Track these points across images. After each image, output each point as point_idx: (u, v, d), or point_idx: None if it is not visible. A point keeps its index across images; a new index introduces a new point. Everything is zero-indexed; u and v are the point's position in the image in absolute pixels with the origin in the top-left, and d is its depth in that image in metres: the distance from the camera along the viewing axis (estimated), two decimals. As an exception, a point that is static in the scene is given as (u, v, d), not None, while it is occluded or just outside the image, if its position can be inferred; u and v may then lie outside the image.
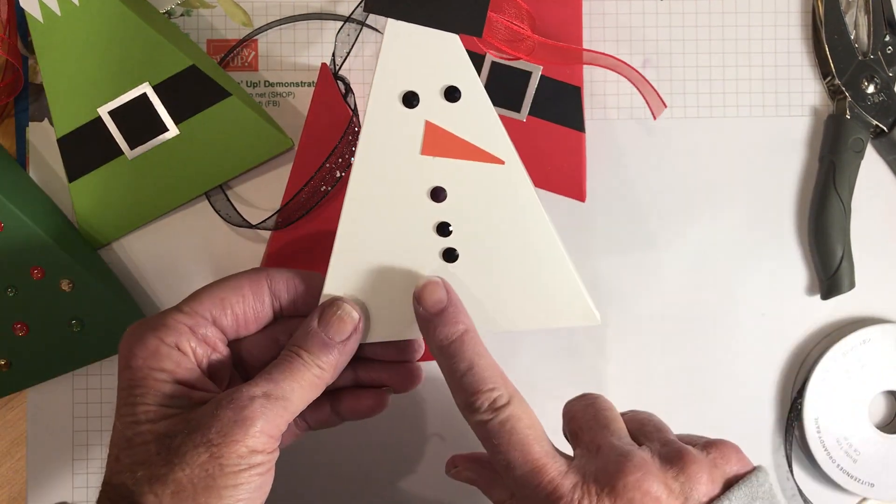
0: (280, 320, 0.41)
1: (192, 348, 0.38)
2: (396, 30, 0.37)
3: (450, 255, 0.40)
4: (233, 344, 0.41)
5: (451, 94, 0.38)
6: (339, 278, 0.40)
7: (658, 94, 0.51)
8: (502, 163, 0.39)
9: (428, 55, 0.38)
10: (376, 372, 0.43)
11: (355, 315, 0.39)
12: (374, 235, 0.39)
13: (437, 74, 0.38)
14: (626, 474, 0.35)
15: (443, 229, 0.39)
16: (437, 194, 0.39)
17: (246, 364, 0.41)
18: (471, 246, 0.40)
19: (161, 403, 0.36)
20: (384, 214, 0.39)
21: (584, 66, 0.52)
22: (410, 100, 0.38)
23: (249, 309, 0.40)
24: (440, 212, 0.39)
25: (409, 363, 0.43)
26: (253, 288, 0.40)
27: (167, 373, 0.37)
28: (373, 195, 0.39)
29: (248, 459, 0.35)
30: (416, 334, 0.41)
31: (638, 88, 0.52)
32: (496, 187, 0.39)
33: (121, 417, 0.37)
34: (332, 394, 0.42)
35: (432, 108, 0.38)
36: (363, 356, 0.43)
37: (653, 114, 0.52)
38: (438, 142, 0.38)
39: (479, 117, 0.38)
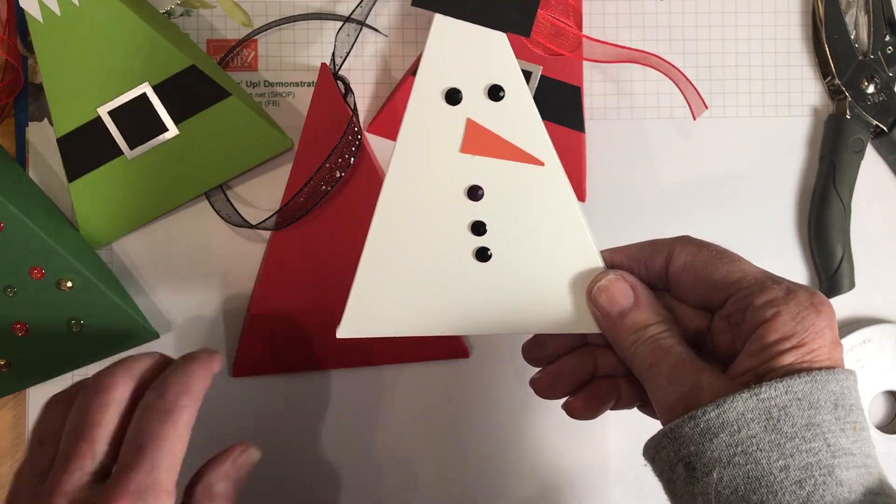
0: None
1: None
2: (443, 25, 0.37)
3: (482, 255, 0.39)
4: None
5: (495, 93, 0.38)
6: (372, 270, 0.39)
7: (699, 94, 0.51)
8: (542, 164, 0.39)
9: (473, 52, 0.37)
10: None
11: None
12: (409, 230, 0.39)
13: (481, 72, 0.37)
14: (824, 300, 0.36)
15: (478, 228, 0.39)
16: (474, 193, 0.39)
17: None
18: (504, 246, 0.39)
19: None
20: (419, 210, 0.39)
21: (625, 63, 0.52)
22: (453, 96, 0.38)
23: None
24: (476, 210, 0.39)
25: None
26: None
27: None
28: (409, 190, 0.38)
29: None
30: (447, 331, 0.40)
31: (680, 88, 0.51)
32: (534, 189, 0.39)
33: None
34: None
35: (475, 105, 0.38)
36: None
37: (692, 114, 0.51)
38: (479, 140, 0.38)
39: (522, 118, 0.38)
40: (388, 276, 0.39)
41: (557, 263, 0.40)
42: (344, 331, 0.40)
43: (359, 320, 0.40)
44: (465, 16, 0.37)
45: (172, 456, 0.37)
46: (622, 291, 0.38)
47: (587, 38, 0.48)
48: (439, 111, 0.38)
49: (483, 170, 0.38)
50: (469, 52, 0.37)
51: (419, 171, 0.38)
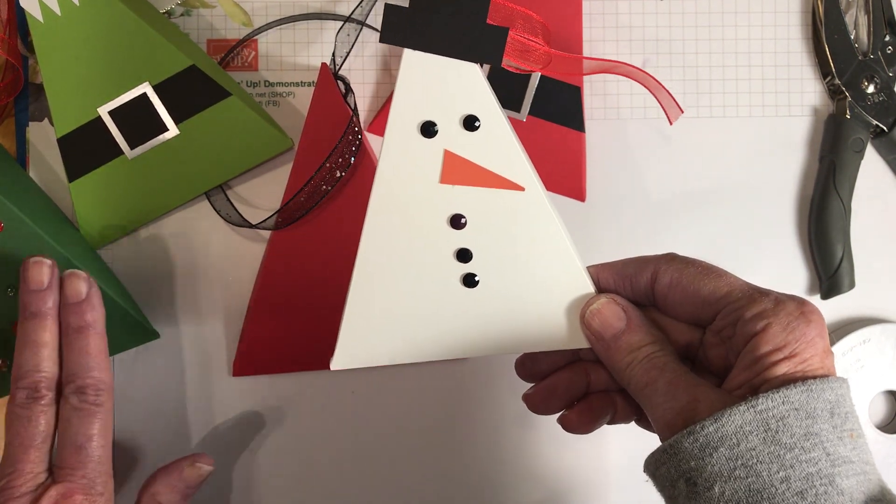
0: None
1: None
2: (413, 59, 0.37)
3: (469, 281, 0.40)
4: None
5: (471, 123, 0.38)
6: (361, 301, 0.40)
7: (675, 100, 0.51)
8: (522, 189, 0.39)
9: (446, 85, 0.37)
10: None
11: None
12: (394, 260, 0.39)
13: (455, 103, 0.38)
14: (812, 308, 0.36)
15: (463, 255, 0.39)
16: (457, 221, 0.39)
17: None
18: (491, 271, 0.40)
19: None
20: (403, 240, 0.39)
21: (599, 74, 0.52)
22: (429, 129, 0.38)
23: None
24: (460, 238, 0.39)
25: None
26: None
27: None
28: (392, 222, 0.39)
29: None
30: (437, 356, 0.41)
31: (655, 95, 0.51)
32: (516, 213, 0.39)
33: None
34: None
35: (451, 137, 0.38)
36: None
37: (669, 120, 0.52)
38: (457, 170, 0.38)
39: (499, 145, 0.38)
40: (377, 306, 0.40)
41: (544, 284, 0.40)
42: (338, 362, 0.41)
43: (352, 351, 0.40)
44: (434, 49, 0.37)
45: (107, 446, 0.43)
46: (615, 314, 0.39)
47: (555, 53, 0.49)
48: (416, 144, 0.38)
49: (464, 198, 0.39)
50: (441, 84, 0.37)
51: (400, 203, 0.39)
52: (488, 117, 0.38)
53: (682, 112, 0.52)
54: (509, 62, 0.50)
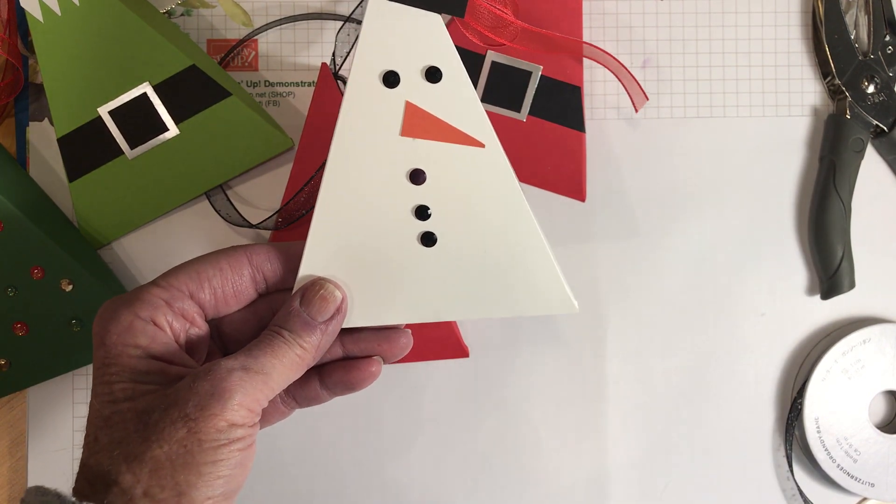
0: (265, 297, 0.41)
1: (168, 322, 0.37)
2: (378, 8, 0.37)
3: (428, 239, 0.39)
4: (217, 321, 0.40)
5: (433, 74, 0.38)
6: (316, 261, 0.39)
7: (640, 85, 0.51)
8: (482, 146, 0.38)
9: (409, 35, 0.37)
10: (364, 342, 0.42)
11: (338, 295, 0.39)
12: (352, 218, 0.39)
13: (418, 54, 0.37)
14: None
15: (421, 212, 0.39)
16: (416, 177, 0.38)
17: (231, 342, 0.41)
18: (449, 230, 0.39)
19: (137, 380, 0.35)
20: (362, 196, 0.39)
21: (576, 59, 0.52)
22: (391, 79, 0.38)
23: (228, 283, 0.39)
24: (419, 195, 0.39)
25: (397, 328, 0.42)
26: (231, 262, 0.39)
27: (141, 348, 0.36)
28: (350, 176, 0.38)
29: (227, 434, 0.34)
30: (395, 320, 0.40)
31: (620, 80, 0.52)
32: (476, 171, 0.39)
33: (97, 396, 0.36)
34: (320, 368, 0.42)
35: (413, 88, 0.38)
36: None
37: (634, 107, 0.52)
38: (418, 123, 0.38)
39: (460, 99, 0.38)
40: (333, 265, 0.39)
41: (502, 246, 0.39)
42: None
43: None
44: None
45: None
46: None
47: (527, 27, 0.48)
48: (378, 95, 0.38)
49: (424, 153, 0.38)
50: (405, 34, 0.37)
51: (360, 156, 0.38)
52: (450, 70, 0.38)
53: (647, 99, 0.52)
54: (476, 32, 0.50)
